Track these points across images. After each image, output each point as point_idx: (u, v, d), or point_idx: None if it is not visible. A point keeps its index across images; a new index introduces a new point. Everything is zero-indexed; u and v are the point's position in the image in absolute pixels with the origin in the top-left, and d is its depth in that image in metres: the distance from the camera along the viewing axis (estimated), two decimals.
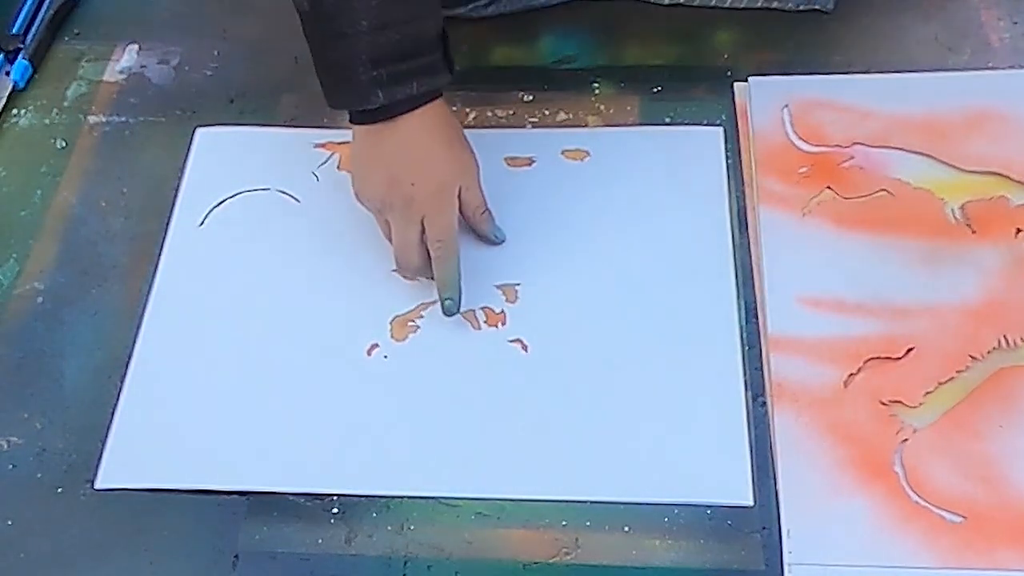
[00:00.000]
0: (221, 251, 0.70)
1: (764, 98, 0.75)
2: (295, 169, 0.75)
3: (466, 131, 0.66)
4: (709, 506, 0.58)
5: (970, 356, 0.62)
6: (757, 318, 0.65)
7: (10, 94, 0.81)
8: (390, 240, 0.67)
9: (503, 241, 0.69)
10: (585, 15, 0.81)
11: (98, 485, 0.61)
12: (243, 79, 0.81)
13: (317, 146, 0.76)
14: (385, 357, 0.65)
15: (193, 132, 0.77)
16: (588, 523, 0.58)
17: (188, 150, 0.76)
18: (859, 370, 0.62)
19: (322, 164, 0.75)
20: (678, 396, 0.62)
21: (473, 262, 0.68)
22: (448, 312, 0.65)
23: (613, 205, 0.71)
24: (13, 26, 0.83)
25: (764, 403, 0.61)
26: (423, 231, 0.64)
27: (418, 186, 0.63)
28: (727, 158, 0.72)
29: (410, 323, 0.66)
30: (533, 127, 0.76)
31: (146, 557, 0.59)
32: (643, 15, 0.80)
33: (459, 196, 0.65)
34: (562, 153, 0.74)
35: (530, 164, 0.73)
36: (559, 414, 0.62)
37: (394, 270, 0.68)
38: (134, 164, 0.76)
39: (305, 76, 0.78)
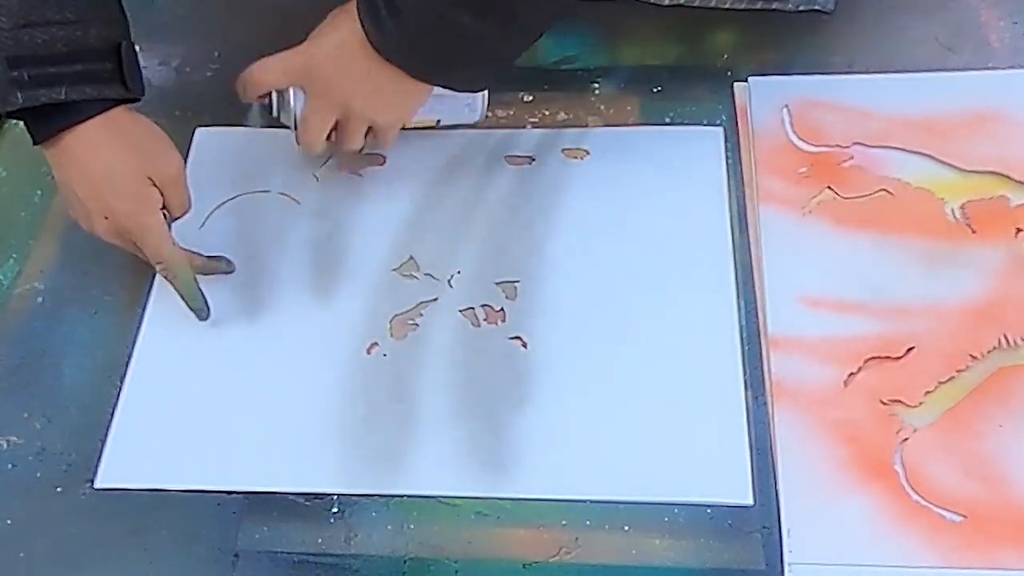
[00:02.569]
0: (221, 252, 0.70)
1: (764, 98, 0.75)
2: (295, 169, 0.75)
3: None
4: (709, 505, 0.58)
5: (970, 355, 0.62)
6: (757, 318, 0.65)
7: None
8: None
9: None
10: (585, 15, 0.81)
11: (98, 485, 0.61)
12: None
13: None
14: (384, 356, 0.65)
15: (193, 132, 0.77)
16: (588, 523, 0.58)
17: (188, 150, 0.76)
18: (859, 369, 0.62)
19: (322, 165, 0.75)
20: (678, 395, 0.62)
21: (473, 259, 0.68)
22: (201, 319, 0.66)
23: (613, 204, 0.71)
24: None
25: (764, 402, 0.61)
26: None
27: (112, 218, 0.61)
28: (727, 158, 0.72)
29: (410, 322, 0.66)
30: (533, 127, 0.75)
31: (146, 557, 0.59)
32: (643, 15, 0.80)
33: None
34: (562, 152, 0.74)
35: (530, 163, 0.73)
36: (558, 412, 0.62)
37: None
38: None
39: None
